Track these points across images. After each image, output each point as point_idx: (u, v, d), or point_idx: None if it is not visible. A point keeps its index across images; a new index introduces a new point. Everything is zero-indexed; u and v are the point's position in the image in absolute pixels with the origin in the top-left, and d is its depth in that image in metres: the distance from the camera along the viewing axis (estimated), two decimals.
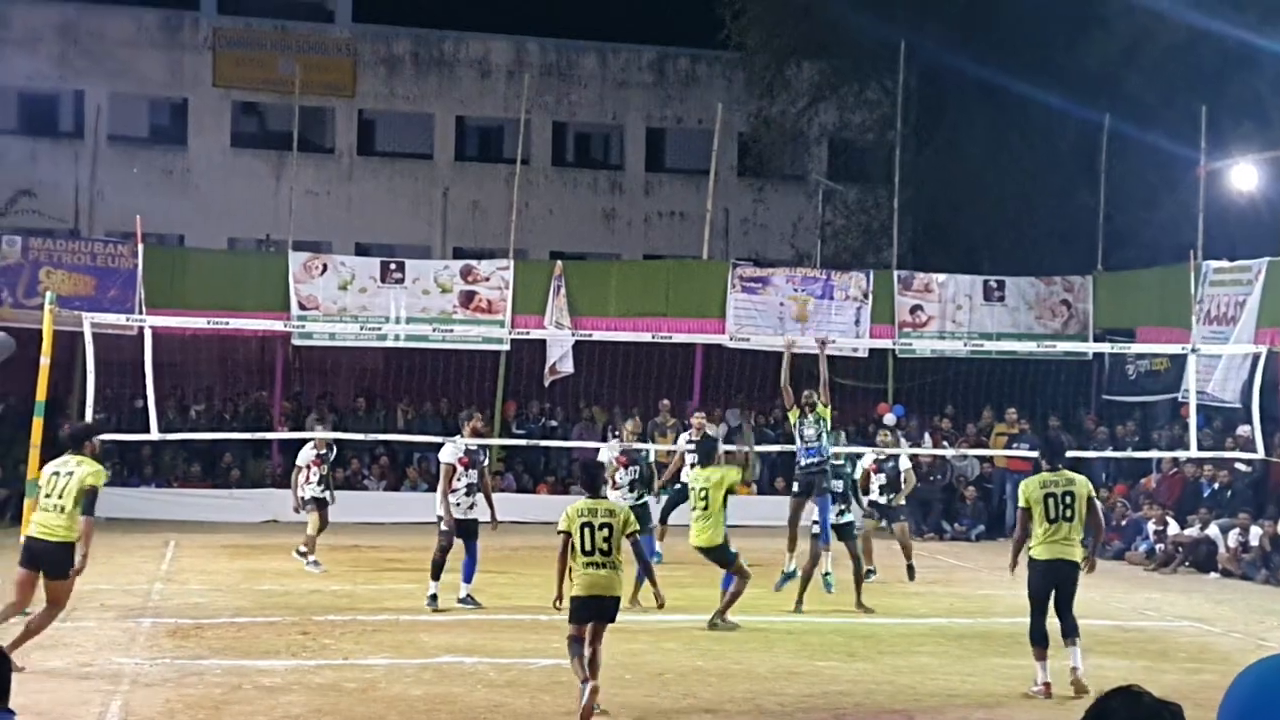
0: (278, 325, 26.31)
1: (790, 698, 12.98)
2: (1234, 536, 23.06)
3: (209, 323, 22.42)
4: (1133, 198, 31.97)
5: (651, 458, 21.79)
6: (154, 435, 20.01)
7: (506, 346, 28.38)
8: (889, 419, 29.14)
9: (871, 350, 29.24)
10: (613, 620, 12.40)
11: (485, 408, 29.36)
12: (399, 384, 30.25)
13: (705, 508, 16.31)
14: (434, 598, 17.40)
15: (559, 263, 29.69)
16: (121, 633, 15.57)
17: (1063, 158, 33.97)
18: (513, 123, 35.33)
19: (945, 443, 28.64)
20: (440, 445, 18.97)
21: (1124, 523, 25.42)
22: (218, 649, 14.70)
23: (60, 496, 13.39)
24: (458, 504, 17.68)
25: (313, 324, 27.55)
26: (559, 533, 12.31)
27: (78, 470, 13.51)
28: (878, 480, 21.03)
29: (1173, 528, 24.10)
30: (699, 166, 37.04)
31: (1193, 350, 22.87)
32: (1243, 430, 23.66)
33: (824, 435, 18.84)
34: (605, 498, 13.07)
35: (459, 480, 17.70)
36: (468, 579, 17.84)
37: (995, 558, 23.44)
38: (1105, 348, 27.22)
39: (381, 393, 30.79)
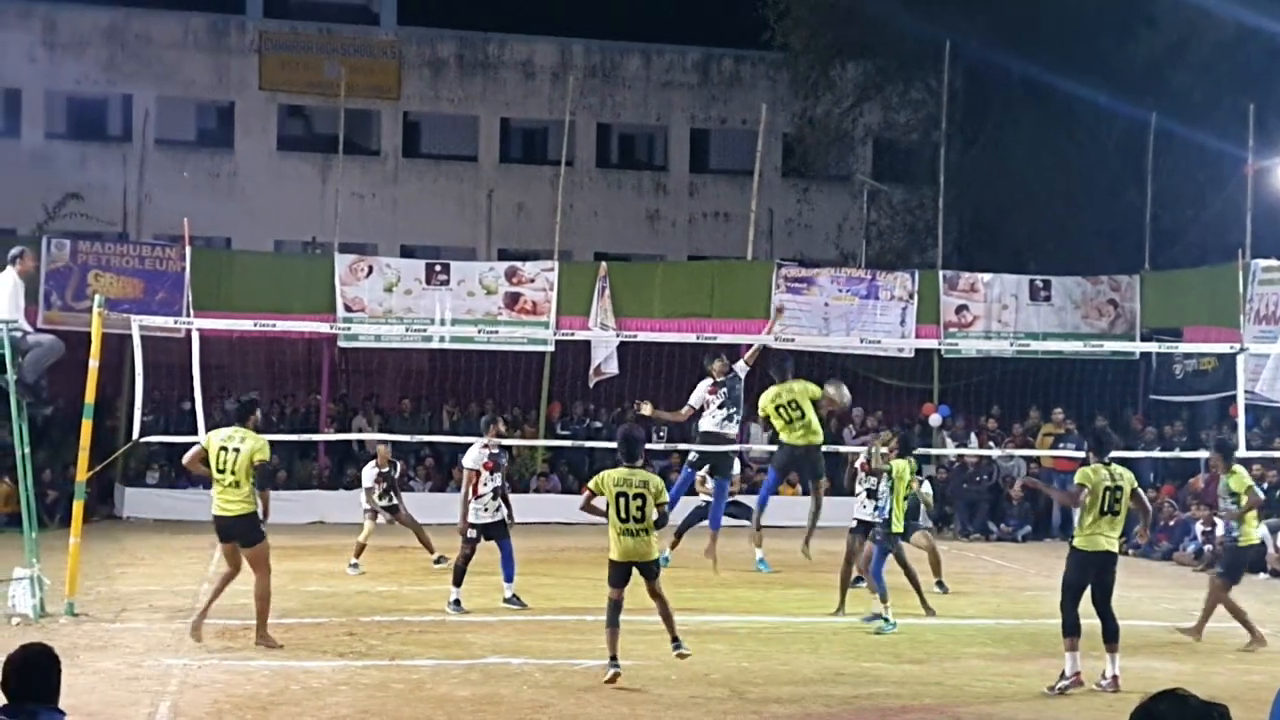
0: (324, 327, 26.38)
1: (836, 699, 12.96)
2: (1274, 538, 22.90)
3: (256, 325, 22.49)
4: (1180, 197, 31.80)
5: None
6: (202, 438, 20.04)
7: (551, 348, 28.41)
8: (934, 420, 29.13)
9: (917, 351, 29.12)
10: (654, 577, 13.61)
11: (530, 409, 29.51)
12: (444, 385, 30.31)
13: (802, 415, 17.43)
14: (457, 603, 17.42)
15: (603, 264, 29.71)
16: (170, 634, 15.66)
17: (1109, 157, 33.80)
18: (557, 124, 35.37)
19: (991, 443, 28.55)
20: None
21: (1172, 523, 25.28)
22: (265, 650, 14.76)
23: (233, 473, 15.30)
24: (485, 509, 17.75)
25: (358, 326, 27.64)
26: (586, 489, 13.86)
27: (243, 446, 15.25)
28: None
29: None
30: (743, 167, 37.00)
31: (1241, 349, 22.70)
32: None
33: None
34: (641, 468, 13.94)
35: (484, 485, 17.73)
36: (509, 579, 17.87)
37: (1042, 558, 23.38)
38: (1153, 347, 27.05)
39: (427, 394, 30.85)
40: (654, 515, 13.44)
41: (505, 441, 19.28)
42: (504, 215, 41.87)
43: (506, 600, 17.74)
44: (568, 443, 27.54)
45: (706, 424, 21.29)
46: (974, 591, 20.44)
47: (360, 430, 28.55)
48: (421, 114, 43.35)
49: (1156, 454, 26.90)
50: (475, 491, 17.69)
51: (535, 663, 14.05)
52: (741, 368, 21.92)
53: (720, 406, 21.21)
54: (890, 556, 17.28)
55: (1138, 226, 30.54)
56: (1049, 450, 27.43)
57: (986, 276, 30.02)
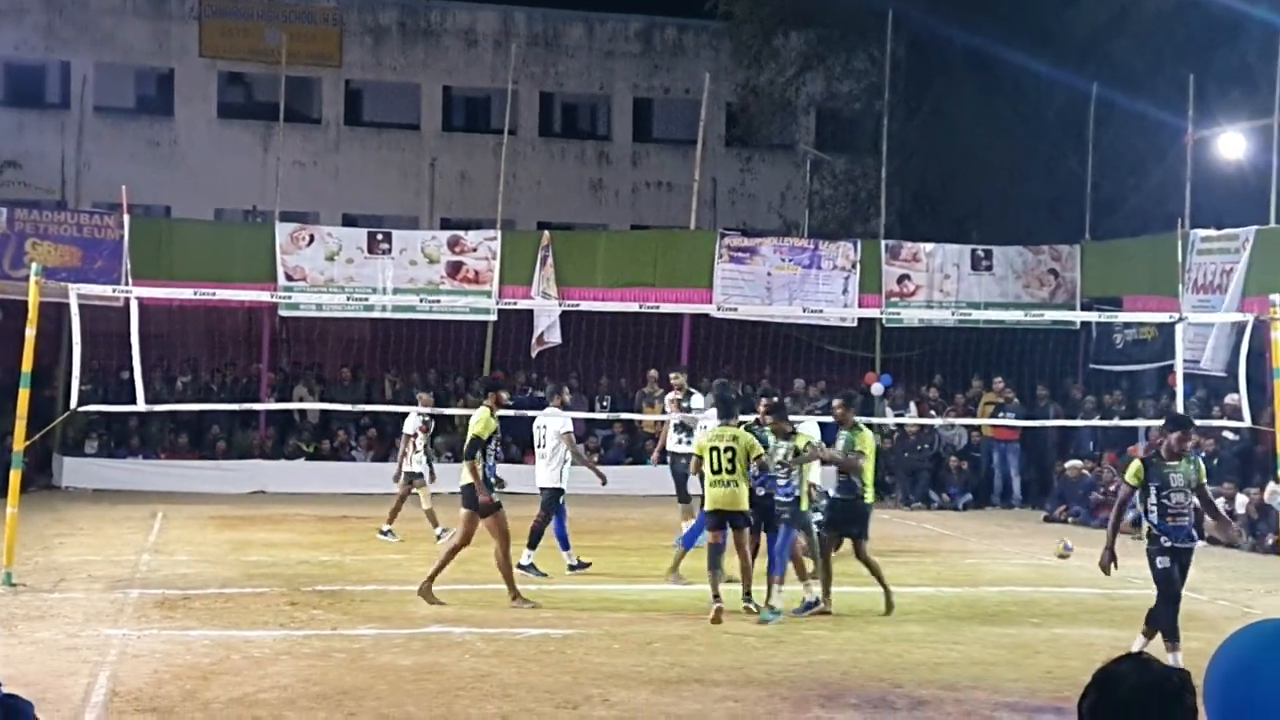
0: (264, 296, 26.23)
1: (777, 666, 13.00)
2: (1220, 504, 23.08)
3: (195, 294, 22.30)
4: (1120, 166, 31.97)
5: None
6: (140, 406, 19.93)
7: (494, 317, 28.32)
8: (876, 388, 29.25)
9: (860, 320, 29.19)
10: (741, 528, 15.21)
11: (473, 378, 29.43)
12: (386, 354, 30.22)
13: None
14: (532, 565, 17.88)
15: (546, 233, 29.65)
16: (109, 604, 15.56)
17: (1050, 127, 33.94)
18: (500, 93, 35.26)
19: (933, 411, 28.68)
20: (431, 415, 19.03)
21: (1112, 488, 25.44)
22: (205, 620, 14.69)
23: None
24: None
25: (299, 295, 27.50)
26: (694, 458, 15.70)
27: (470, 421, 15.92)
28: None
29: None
30: (686, 136, 36.95)
31: (1180, 319, 22.87)
32: (1230, 399, 23.67)
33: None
34: (735, 424, 15.48)
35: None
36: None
37: (982, 526, 23.53)
38: (1092, 316, 27.20)
39: (369, 363, 30.76)
40: (746, 468, 15.07)
41: (448, 410, 19.23)
42: (447, 184, 41.71)
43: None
44: (510, 412, 27.37)
45: (670, 443, 20.75)
46: (914, 560, 20.54)
47: (301, 399, 28.43)
48: (363, 82, 43.08)
49: (1096, 422, 27.07)
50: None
51: (477, 632, 14.03)
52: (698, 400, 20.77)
53: (676, 427, 20.43)
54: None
55: (1079, 196, 30.70)
56: (990, 419, 27.58)
57: (928, 246, 30.13)
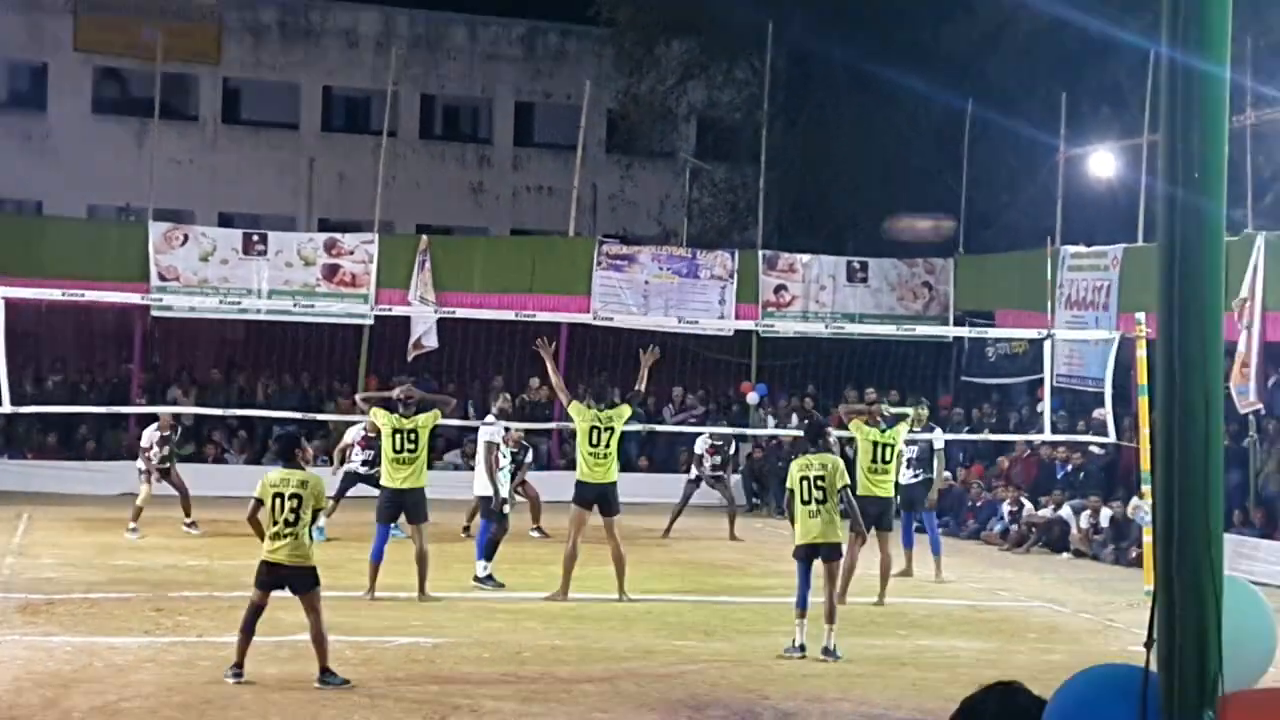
0: (135, 298, 25.84)
1: (647, 677, 13.05)
2: (1085, 518, 23.52)
3: (64, 293, 21.97)
4: (994, 182, 32.43)
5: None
6: (5, 408, 19.61)
7: (370, 321, 28.15)
8: (752, 398, 29.46)
9: (736, 330, 29.37)
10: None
11: (347, 381, 29.25)
12: (260, 357, 29.96)
13: (823, 499, 14.44)
14: (489, 578, 17.77)
15: (424, 237, 29.54)
16: None
17: (926, 141, 34.35)
18: (380, 94, 35.02)
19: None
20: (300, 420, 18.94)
21: (979, 503, 25.82)
22: (69, 625, 14.49)
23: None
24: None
25: (172, 296, 27.16)
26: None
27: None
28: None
29: (1027, 508, 24.52)
30: (567, 142, 36.93)
31: (1049, 334, 23.25)
32: (1097, 413, 24.06)
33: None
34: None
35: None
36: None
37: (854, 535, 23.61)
38: (964, 332, 27.57)
39: (243, 365, 30.46)
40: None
41: (321, 416, 19.14)
42: (325, 185, 41.35)
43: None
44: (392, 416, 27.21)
45: None
46: (787, 570, 20.61)
47: (175, 401, 28.11)
48: (242, 80, 42.61)
49: (964, 436, 27.41)
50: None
51: (346, 639, 13.92)
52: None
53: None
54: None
55: (953, 210, 31.09)
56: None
57: (805, 257, 30.39)
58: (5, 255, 26.51)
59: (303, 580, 12.39)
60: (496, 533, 17.95)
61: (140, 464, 22.15)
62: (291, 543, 12.31)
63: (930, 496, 20.22)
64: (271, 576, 12.43)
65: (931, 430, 20.24)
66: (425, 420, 16.96)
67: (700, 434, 24.92)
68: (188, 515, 21.94)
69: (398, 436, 16.73)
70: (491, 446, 18.14)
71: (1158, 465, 3.74)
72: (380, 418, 17.05)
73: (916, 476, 19.93)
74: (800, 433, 25.85)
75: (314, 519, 12.63)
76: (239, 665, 12.20)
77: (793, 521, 14.59)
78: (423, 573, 16.61)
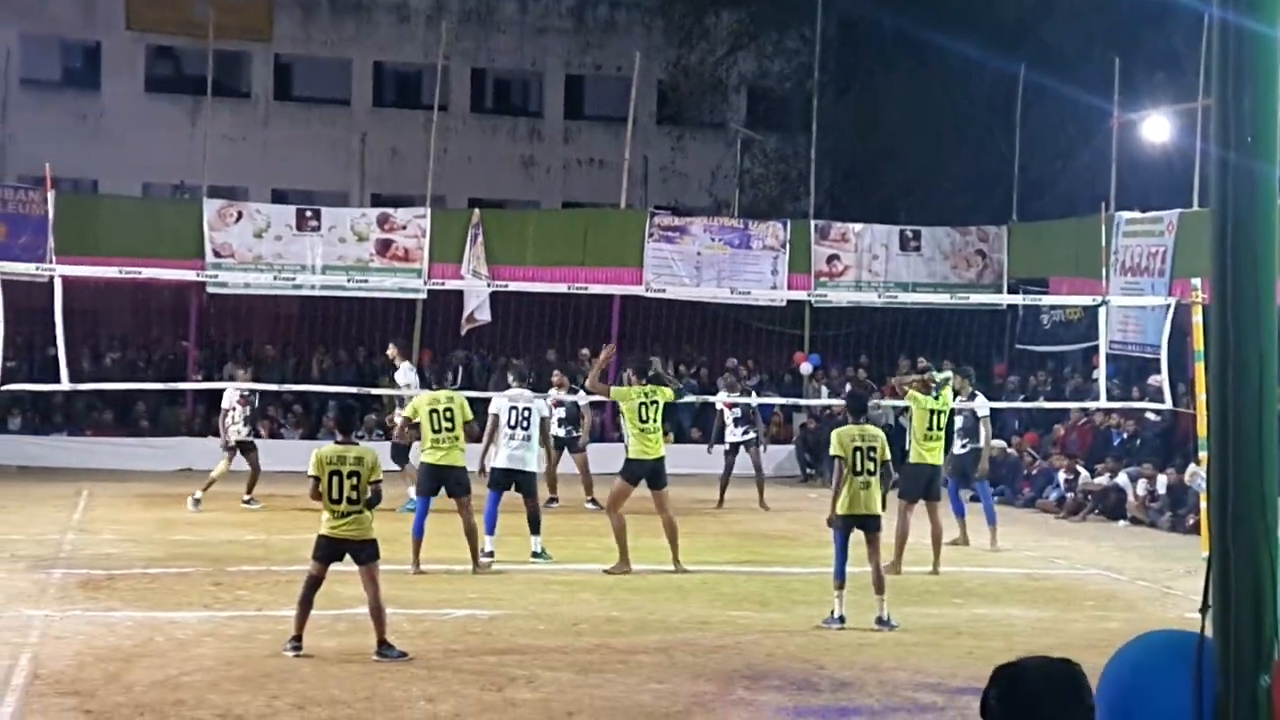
0: (191, 274, 26.00)
1: (702, 647, 13.08)
2: (1142, 485, 23.39)
3: (121, 272, 22.14)
4: (1048, 149, 32.20)
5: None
6: (64, 385, 19.80)
7: (423, 295, 28.21)
8: (805, 368, 29.40)
9: (789, 300, 29.32)
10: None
11: (402, 357, 29.32)
12: (314, 332, 30.08)
13: (874, 470, 14.41)
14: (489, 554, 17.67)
15: (476, 211, 29.59)
16: (32, 584, 15.46)
17: (979, 108, 34.15)
18: (431, 69, 35.07)
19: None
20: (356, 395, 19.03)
21: (1035, 471, 25.71)
22: (130, 600, 14.62)
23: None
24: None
25: (227, 273, 27.29)
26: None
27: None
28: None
29: (1083, 476, 24.41)
30: (618, 114, 36.91)
31: (1104, 301, 23.10)
32: (1153, 380, 23.93)
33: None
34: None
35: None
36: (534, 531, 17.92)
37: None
38: (1018, 300, 27.44)
39: (297, 341, 30.61)
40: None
41: (376, 390, 19.20)
42: (377, 160, 41.43)
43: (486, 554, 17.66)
44: (443, 390, 27.24)
45: None
46: None
47: (233, 378, 28.25)
48: (293, 56, 42.79)
49: (1019, 404, 27.30)
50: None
51: (403, 613, 14.00)
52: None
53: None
54: None
55: (1006, 178, 30.91)
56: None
57: (857, 226, 30.29)
58: (62, 234, 26.70)
59: (366, 551, 12.43)
60: (536, 506, 17.92)
61: (226, 434, 22.14)
62: (355, 519, 12.34)
63: (981, 466, 20.11)
64: (332, 550, 12.48)
65: (974, 399, 20.13)
66: (461, 398, 17.13)
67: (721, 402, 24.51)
68: (249, 492, 22.00)
69: (434, 415, 16.83)
70: (496, 419, 18.02)
71: (1212, 430, 3.73)
72: (422, 397, 17.33)
73: (965, 446, 19.81)
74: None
75: (374, 495, 12.48)
76: (298, 638, 12.29)
77: (837, 491, 14.44)
78: (473, 546, 16.69)
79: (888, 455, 14.53)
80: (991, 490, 24.53)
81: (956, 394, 19.06)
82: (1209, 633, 3.36)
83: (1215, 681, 3.30)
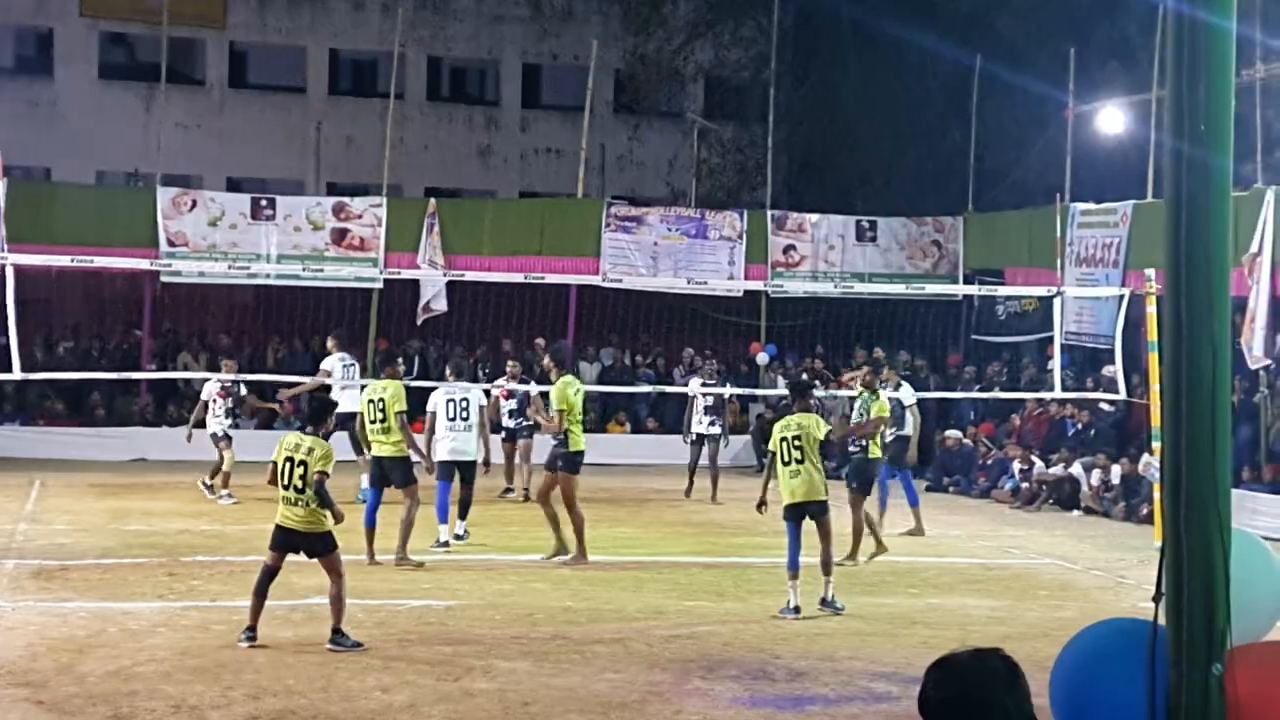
0: (144, 263, 25.83)
1: (658, 637, 13.09)
2: (1096, 475, 23.51)
3: (73, 260, 21.98)
4: (1003, 139, 32.30)
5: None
6: (16, 375, 19.67)
7: (379, 285, 28.12)
8: (761, 358, 29.44)
9: (745, 290, 29.35)
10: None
11: (357, 345, 29.24)
12: (270, 321, 29.97)
13: (801, 458, 14.55)
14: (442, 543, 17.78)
15: (432, 200, 29.51)
16: None
17: (935, 99, 34.24)
18: (387, 56, 34.96)
19: (818, 381, 28.84)
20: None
21: (990, 462, 25.82)
22: (83, 590, 14.53)
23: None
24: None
25: (181, 262, 27.12)
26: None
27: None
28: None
29: (1038, 466, 24.52)
30: (575, 103, 36.83)
31: (1058, 292, 23.20)
32: (1107, 371, 24.06)
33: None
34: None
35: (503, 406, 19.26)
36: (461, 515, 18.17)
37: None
38: (974, 290, 27.57)
39: (252, 330, 30.48)
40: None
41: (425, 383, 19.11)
42: (333, 148, 41.31)
43: (458, 537, 18.03)
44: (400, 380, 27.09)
45: None
46: None
47: (186, 367, 28.15)
48: (248, 44, 42.55)
49: (975, 394, 27.39)
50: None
51: (358, 603, 13.94)
52: None
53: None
54: None
55: (961, 168, 31.00)
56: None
57: (814, 217, 30.33)
58: (14, 222, 26.44)
59: (318, 545, 12.41)
60: (470, 493, 18.16)
61: (213, 427, 21.94)
62: (303, 509, 12.31)
63: (910, 454, 20.32)
64: (284, 539, 12.46)
65: (899, 388, 20.33)
66: (395, 388, 17.03)
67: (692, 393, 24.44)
68: (211, 478, 21.80)
69: (370, 406, 16.94)
70: (434, 415, 18.18)
71: (1165, 420, 3.74)
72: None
73: (892, 434, 19.83)
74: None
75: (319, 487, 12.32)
76: (252, 629, 12.25)
77: (767, 480, 15.02)
78: (402, 536, 16.43)
79: (820, 437, 14.58)
80: (946, 479, 24.71)
81: (884, 384, 19.05)
82: (1162, 621, 3.37)
83: (1168, 670, 3.31)
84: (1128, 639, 3.43)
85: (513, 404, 22.60)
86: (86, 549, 17.12)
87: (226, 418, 22.09)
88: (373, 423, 16.82)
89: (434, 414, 18.07)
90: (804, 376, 23.03)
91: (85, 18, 40.23)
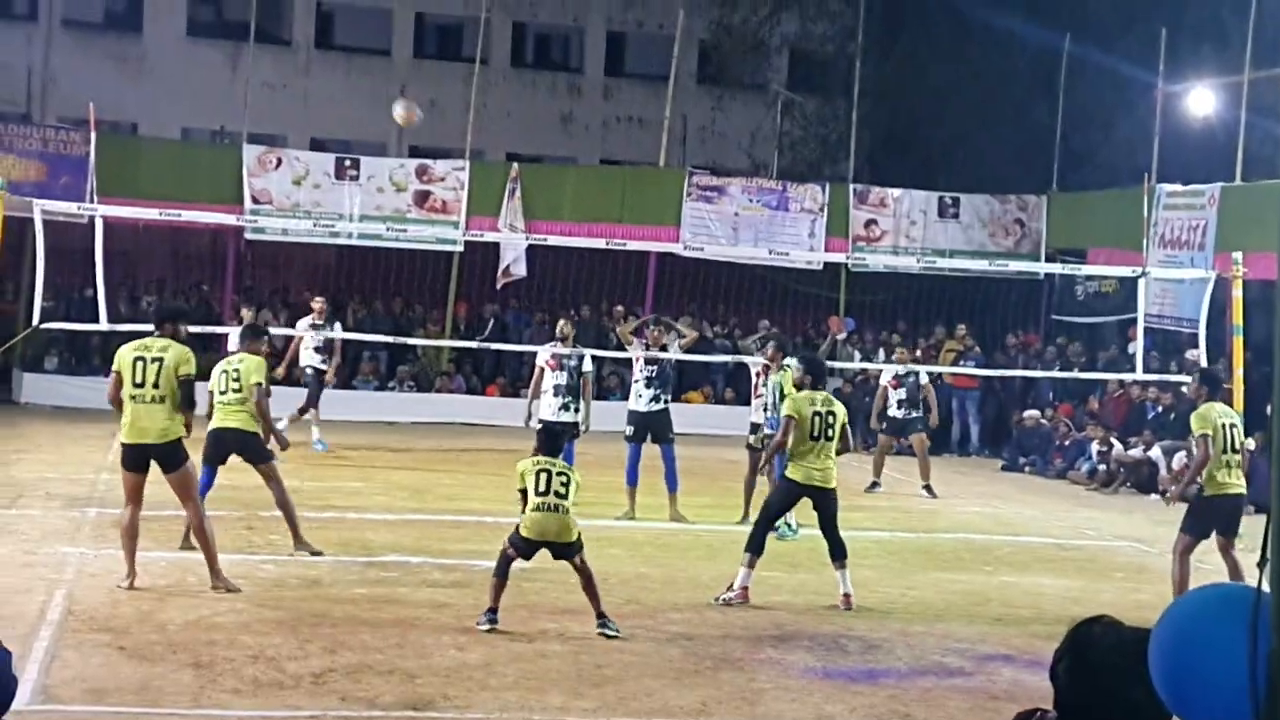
0: (230, 219, 26.05)
1: (731, 607, 13.10)
2: (1177, 459, 23.29)
3: (161, 214, 22.19)
4: (1090, 119, 32.01)
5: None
6: (103, 325, 19.89)
7: (460, 248, 28.22)
8: (840, 333, 29.29)
9: (825, 263, 29.26)
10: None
11: (436, 308, 29.44)
12: (352, 281, 30.15)
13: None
14: None
15: (515, 165, 29.57)
16: (67, 522, 15.59)
17: (1021, 76, 33.95)
18: (473, 21, 35.02)
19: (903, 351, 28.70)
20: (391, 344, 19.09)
21: (1068, 442, 25.66)
22: (163, 541, 14.67)
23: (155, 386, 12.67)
24: (548, 405, 18.08)
25: (265, 219, 27.31)
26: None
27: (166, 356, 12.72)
28: (896, 395, 22.50)
29: (1116, 449, 24.35)
30: (659, 72, 36.74)
31: (1143, 273, 22.99)
32: (1190, 354, 23.83)
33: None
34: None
35: (547, 382, 18.14)
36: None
37: (939, 473, 23.59)
38: (1056, 268, 27.35)
39: (333, 289, 30.66)
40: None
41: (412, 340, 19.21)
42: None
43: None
44: (472, 344, 27.28)
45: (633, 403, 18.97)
46: (870, 504, 20.67)
47: (266, 324, 28.33)
48: (335, 5, 42.75)
49: (1055, 374, 27.21)
50: (539, 389, 18.28)
51: (434, 562, 14.09)
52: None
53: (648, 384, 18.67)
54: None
55: (1047, 147, 30.75)
56: (951, 366, 27.65)
57: (896, 192, 30.18)
58: (102, 175, 26.77)
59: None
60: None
61: (305, 360, 22.87)
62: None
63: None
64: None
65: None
66: (251, 363, 14.97)
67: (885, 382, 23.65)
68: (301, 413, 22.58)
69: (223, 377, 14.98)
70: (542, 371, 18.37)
71: (1276, 390, 3.70)
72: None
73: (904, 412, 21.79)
74: (881, 366, 25.58)
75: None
76: (493, 610, 11.77)
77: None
78: (289, 520, 14.98)
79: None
80: (1022, 459, 24.63)
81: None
82: (1265, 587, 3.34)
83: (1271, 636, 3.28)
84: (1230, 604, 3.39)
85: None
86: (166, 500, 17.13)
87: (317, 354, 22.74)
88: (223, 393, 14.76)
89: (542, 370, 18.25)
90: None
91: None
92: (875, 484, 21.95)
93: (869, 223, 29.78)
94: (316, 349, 22.75)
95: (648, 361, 18.29)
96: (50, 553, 13.82)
